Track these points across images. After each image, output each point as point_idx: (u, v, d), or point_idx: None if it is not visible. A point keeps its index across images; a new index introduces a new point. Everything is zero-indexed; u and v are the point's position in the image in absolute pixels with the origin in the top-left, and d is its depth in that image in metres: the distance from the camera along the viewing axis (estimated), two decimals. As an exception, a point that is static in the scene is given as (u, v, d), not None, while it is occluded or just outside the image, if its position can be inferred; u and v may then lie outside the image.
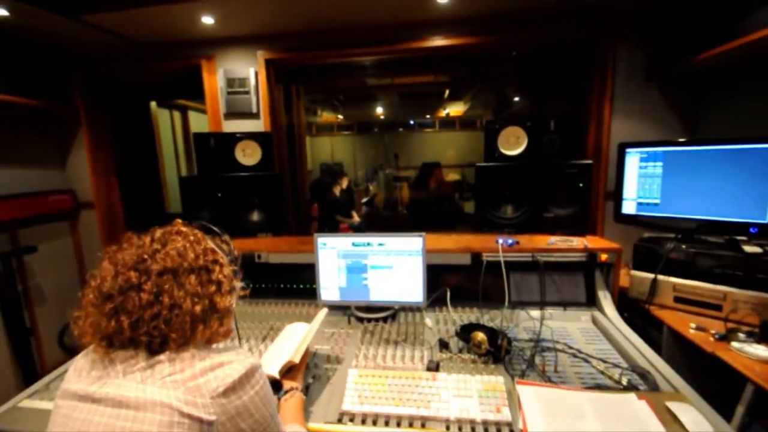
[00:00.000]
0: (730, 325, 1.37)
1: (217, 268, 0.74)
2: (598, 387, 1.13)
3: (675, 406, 0.98)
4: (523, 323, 1.50)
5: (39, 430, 0.83)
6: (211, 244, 0.78)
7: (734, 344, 1.27)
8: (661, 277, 1.57)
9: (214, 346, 0.76)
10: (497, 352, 1.21)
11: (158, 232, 0.75)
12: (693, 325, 1.42)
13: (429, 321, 1.49)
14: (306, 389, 1.09)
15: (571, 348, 1.33)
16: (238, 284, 0.80)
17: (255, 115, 2.35)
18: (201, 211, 2.07)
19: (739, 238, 1.50)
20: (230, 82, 2.29)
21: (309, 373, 1.18)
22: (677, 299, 1.55)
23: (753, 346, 1.25)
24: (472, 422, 0.97)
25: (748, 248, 1.44)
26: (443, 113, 7.82)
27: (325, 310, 1.26)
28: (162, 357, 0.65)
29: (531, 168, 1.81)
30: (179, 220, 0.80)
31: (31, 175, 2.45)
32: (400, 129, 8.24)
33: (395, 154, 6.80)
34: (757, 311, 1.36)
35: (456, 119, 7.98)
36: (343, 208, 4.87)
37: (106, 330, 0.66)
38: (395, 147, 8.05)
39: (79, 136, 2.60)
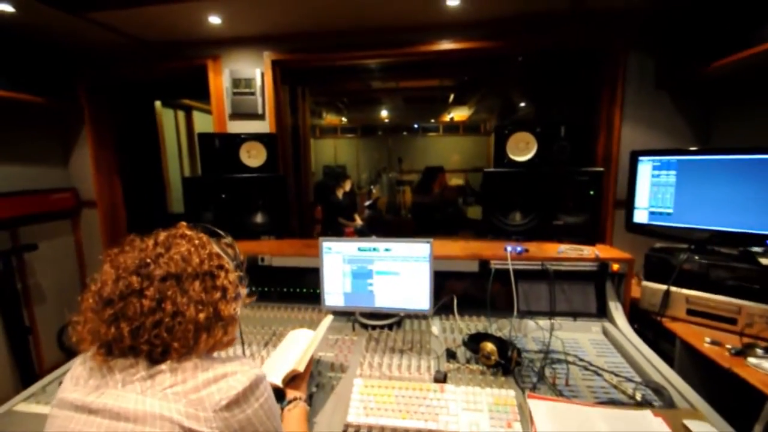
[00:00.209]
0: (746, 339, 1.33)
1: (222, 274, 0.71)
2: (612, 402, 1.09)
3: (693, 425, 0.94)
4: (532, 333, 1.47)
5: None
6: (216, 249, 0.75)
7: (751, 360, 1.23)
8: (673, 288, 1.53)
9: (216, 354, 0.73)
10: (507, 363, 1.18)
11: (162, 235, 0.72)
12: (708, 339, 1.38)
13: (435, 329, 1.45)
14: (309, 398, 1.06)
15: (582, 360, 1.29)
16: (244, 291, 0.77)
17: (260, 116, 2.33)
18: (204, 212, 2.05)
19: (755, 249, 1.46)
20: (236, 82, 2.27)
21: (312, 382, 1.14)
22: (690, 312, 1.51)
23: (771, 362, 1.21)
24: (483, 438, 0.93)
25: (765, 260, 1.40)
26: (447, 118, 7.81)
27: (330, 317, 1.23)
28: (163, 367, 0.62)
29: (541, 174, 1.77)
30: (183, 223, 0.77)
31: (33, 172, 2.43)
32: (404, 133, 8.22)
33: (399, 158, 6.77)
34: (774, 326, 1.32)
35: (460, 124, 7.97)
36: (346, 211, 4.85)
37: (105, 337, 0.63)
38: (399, 151, 8.03)
39: (83, 134, 2.58)
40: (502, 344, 1.22)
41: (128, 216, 2.83)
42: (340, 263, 1.49)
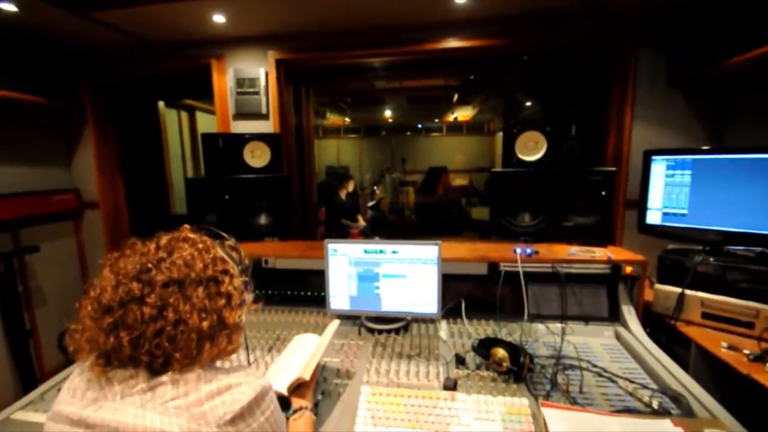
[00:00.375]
0: (765, 344, 1.29)
1: (227, 279, 0.68)
2: (628, 410, 1.05)
3: (716, 436, 0.90)
4: (543, 338, 1.43)
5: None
6: (220, 253, 0.71)
7: (772, 366, 1.19)
8: (688, 291, 1.49)
9: (219, 363, 0.69)
10: (519, 370, 1.14)
11: (164, 239, 0.69)
12: (724, 344, 1.34)
13: (443, 334, 1.42)
14: (315, 407, 1.02)
15: (595, 366, 1.25)
16: (249, 297, 0.74)
17: (264, 116, 2.31)
18: (207, 213, 2.02)
19: (773, 252, 1.42)
20: (240, 82, 2.25)
21: (318, 389, 1.11)
22: (705, 315, 1.47)
23: (793, 369, 1.17)
24: (496, 449, 0.90)
25: (784, 263, 1.36)
26: (451, 117, 7.77)
27: (336, 322, 1.19)
28: (164, 378, 0.59)
29: (551, 174, 1.73)
30: (187, 226, 0.74)
31: (35, 173, 2.41)
32: (408, 133, 8.19)
33: (402, 158, 6.74)
34: (794, 331, 1.28)
35: (463, 124, 7.93)
36: (349, 212, 4.82)
37: (104, 346, 0.60)
38: (401, 151, 8.01)
39: (86, 134, 2.56)
40: (514, 350, 1.18)
41: (131, 217, 2.80)
42: (346, 266, 1.46)
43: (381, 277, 1.44)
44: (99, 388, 0.60)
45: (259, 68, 2.24)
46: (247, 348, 1.26)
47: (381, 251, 1.43)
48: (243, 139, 2.06)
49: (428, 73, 3.50)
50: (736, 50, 1.56)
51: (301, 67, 2.42)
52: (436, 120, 7.99)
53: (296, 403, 0.93)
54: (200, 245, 0.69)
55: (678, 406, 1.06)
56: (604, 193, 1.65)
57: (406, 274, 1.43)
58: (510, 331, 1.44)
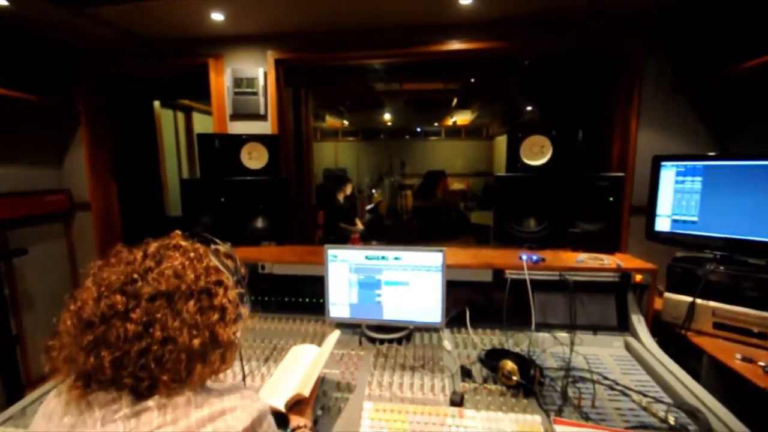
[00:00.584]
0: (781, 357, 1.25)
1: (221, 291, 0.62)
2: (644, 427, 1.00)
3: (739, 456, 0.85)
4: (550, 348, 1.38)
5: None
6: (214, 262, 0.66)
7: (790, 380, 1.15)
8: (699, 300, 1.45)
9: (211, 382, 0.63)
10: (529, 383, 1.08)
11: (152, 246, 0.63)
12: (738, 356, 1.29)
13: (447, 344, 1.36)
14: (314, 423, 0.96)
15: (606, 379, 1.20)
16: (246, 311, 0.68)
17: (262, 117, 2.25)
18: (202, 216, 1.96)
19: (786, 260, 1.38)
20: (238, 82, 2.19)
21: (318, 403, 1.05)
22: (717, 325, 1.43)
23: (813, 383, 1.12)
24: (509, 471, 0.84)
25: (798, 272, 1.32)
26: (450, 121, 7.76)
27: (337, 333, 1.13)
28: (150, 403, 0.53)
29: (557, 180, 1.69)
30: (178, 232, 0.68)
31: (24, 172, 2.34)
32: (406, 136, 8.17)
33: (401, 162, 6.70)
34: (811, 343, 1.24)
35: (462, 128, 7.91)
36: (347, 215, 4.76)
37: (83, 366, 0.54)
38: (400, 154, 7.97)
39: (78, 133, 2.49)
40: (523, 362, 1.13)
41: (123, 219, 2.73)
42: (346, 272, 1.40)
43: (383, 285, 1.39)
44: (78, 413, 0.54)
45: (257, 68, 2.19)
46: (241, 359, 1.19)
47: (383, 257, 1.38)
48: (240, 140, 2.00)
49: (429, 76, 3.47)
50: (743, 56, 1.54)
51: (300, 67, 2.38)
52: (436, 124, 7.98)
53: (294, 421, 0.87)
54: (192, 254, 0.63)
55: (695, 423, 1.01)
56: (611, 199, 1.61)
57: (409, 282, 1.37)
58: (516, 342, 1.38)
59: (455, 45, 2.10)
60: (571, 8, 1.86)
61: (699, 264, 1.49)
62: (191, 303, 0.58)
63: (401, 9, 1.85)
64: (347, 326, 1.47)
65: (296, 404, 0.92)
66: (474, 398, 1.07)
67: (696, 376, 1.34)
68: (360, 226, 4.88)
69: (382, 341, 1.37)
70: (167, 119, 3.78)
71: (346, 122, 7.94)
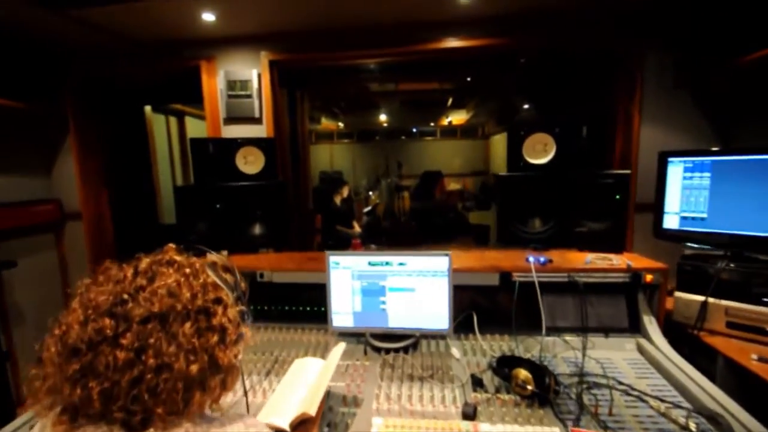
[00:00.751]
0: (799, 356, 1.21)
1: (220, 310, 0.57)
2: (665, 436, 0.96)
3: (769, 466, 0.81)
4: (562, 353, 1.33)
5: None
6: (212, 277, 0.60)
7: (811, 381, 1.11)
8: (711, 299, 1.41)
9: (210, 410, 0.58)
10: (544, 393, 1.04)
11: (144, 262, 0.58)
12: (754, 356, 1.26)
13: (456, 351, 1.31)
14: (321, 442, 0.91)
15: (621, 384, 1.16)
16: (248, 331, 0.63)
17: (257, 120, 2.20)
18: (197, 224, 1.90)
19: (799, 257, 1.35)
20: (231, 84, 2.14)
21: (324, 420, 1.00)
22: (730, 324, 1.39)
23: (835, 384, 1.08)
24: (530, 490, 0.79)
25: (812, 269, 1.29)
26: (445, 121, 7.74)
27: (342, 346, 1.08)
28: (144, 438, 0.47)
29: (561, 178, 1.65)
30: (171, 245, 0.63)
31: (12, 182, 2.26)
32: (402, 137, 8.13)
33: (398, 163, 6.66)
34: (829, 341, 1.21)
35: (457, 128, 7.90)
36: (344, 218, 4.71)
37: (69, 399, 0.49)
38: (395, 155, 7.94)
39: (67, 141, 2.42)
40: (536, 370, 1.08)
41: (116, 228, 2.65)
42: (349, 279, 1.35)
43: (387, 291, 1.34)
44: (63, 452, 0.48)
45: (251, 70, 2.13)
46: (241, 374, 1.14)
47: (387, 263, 1.33)
48: (235, 144, 1.95)
49: (426, 75, 3.43)
50: (744, 50, 1.51)
51: (295, 68, 2.33)
52: (432, 124, 7.95)
53: (301, 442, 0.82)
54: (187, 269, 0.58)
55: (718, 429, 0.97)
56: (618, 197, 1.57)
57: (415, 288, 1.33)
58: (527, 347, 1.34)
59: (453, 42, 2.06)
60: (571, 4, 1.82)
61: (708, 261, 1.45)
62: (187, 325, 0.52)
63: (398, 6, 1.81)
64: (351, 335, 1.42)
65: (301, 423, 0.87)
66: (487, 410, 1.03)
67: (710, 378, 1.30)
68: (357, 228, 4.83)
69: (387, 350, 1.32)
70: (159, 124, 3.71)
71: (341, 124, 7.89)
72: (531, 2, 1.82)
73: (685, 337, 1.46)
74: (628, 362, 1.30)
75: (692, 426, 0.98)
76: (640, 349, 1.36)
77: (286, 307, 1.60)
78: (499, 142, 6.92)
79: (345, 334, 1.43)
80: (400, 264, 1.32)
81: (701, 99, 1.95)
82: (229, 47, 2.16)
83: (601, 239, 1.63)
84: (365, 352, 1.33)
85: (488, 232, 5.06)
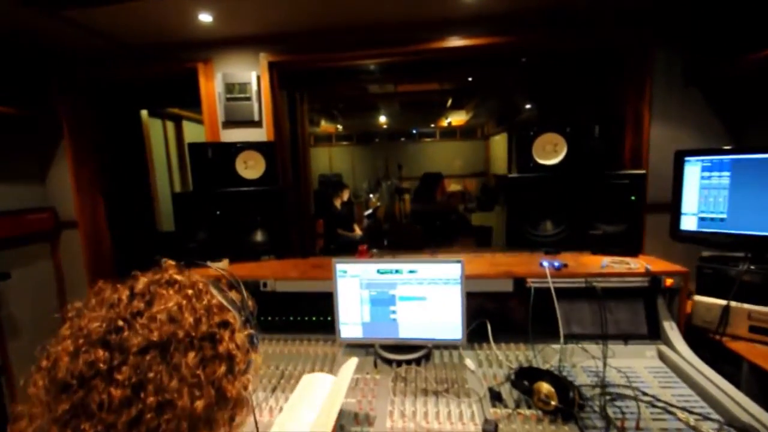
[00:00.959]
0: (829, 362, 1.16)
1: (227, 335, 0.51)
2: (698, 451, 0.90)
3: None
4: (581, 362, 1.28)
5: None
6: (217, 297, 0.54)
7: None
8: (733, 303, 1.36)
9: None
10: (568, 407, 0.98)
11: (141, 282, 0.52)
12: (782, 362, 1.20)
13: (470, 362, 1.25)
14: (334, 466, 0.85)
15: (645, 395, 1.11)
16: (257, 357, 0.57)
17: (257, 124, 2.14)
18: (197, 231, 1.84)
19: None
20: (229, 87, 2.08)
21: (335, 441, 0.94)
22: (753, 329, 1.34)
23: None
24: None
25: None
26: (445, 122, 7.69)
27: (354, 361, 1.02)
28: (143, 489, 0.42)
29: (574, 179, 1.60)
30: (171, 262, 0.57)
31: (5, 191, 2.19)
32: (402, 139, 8.09)
33: (399, 165, 6.61)
34: None
35: (457, 129, 7.86)
36: (345, 222, 4.65)
37: (57, 443, 0.43)
38: (394, 157, 7.89)
39: (61, 147, 2.35)
40: (559, 383, 1.03)
41: (113, 236, 2.59)
42: (357, 288, 1.30)
43: (397, 300, 1.28)
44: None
45: (250, 72, 2.08)
46: (252, 405, 1.08)
47: (397, 271, 1.27)
48: (235, 149, 1.89)
49: (427, 75, 3.38)
50: (754, 46, 1.47)
51: (296, 70, 2.27)
52: (432, 125, 7.91)
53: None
54: (189, 290, 0.52)
55: (753, 443, 0.92)
56: (633, 198, 1.52)
57: (426, 296, 1.27)
58: (545, 357, 1.28)
59: (455, 42, 2.01)
60: (578, 2, 1.78)
61: (728, 264, 1.40)
62: (191, 354, 0.46)
63: (400, 6, 1.76)
64: (359, 347, 1.36)
65: (314, 447, 0.81)
66: (509, 427, 0.97)
67: (734, 386, 1.25)
68: (358, 232, 4.77)
69: (399, 363, 1.26)
70: (156, 129, 3.65)
71: (339, 126, 7.84)
72: (540, 1, 1.77)
73: (705, 343, 1.40)
74: (649, 371, 1.25)
75: (725, 440, 0.93)
76: (662, 357, 1.31)
77: (291, 317, 1.54)
78: (499, 143, 6.88)
79: (353, 346, 1.37)
80: (411, 271, 1.27)
81: (712, 97, 1.90)
82: (226, 49, 2.10)
83: (616, 242, 1.58)
84: (375, 365, 1.27)
85: (491, 233, 5.00)
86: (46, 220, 2.38)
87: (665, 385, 1.17)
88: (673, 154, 1.51)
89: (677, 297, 1.37)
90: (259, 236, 1.89)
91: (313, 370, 1.24)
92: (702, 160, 1.42)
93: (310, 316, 1.52)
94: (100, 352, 0.45)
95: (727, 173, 1.38)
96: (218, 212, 1.84)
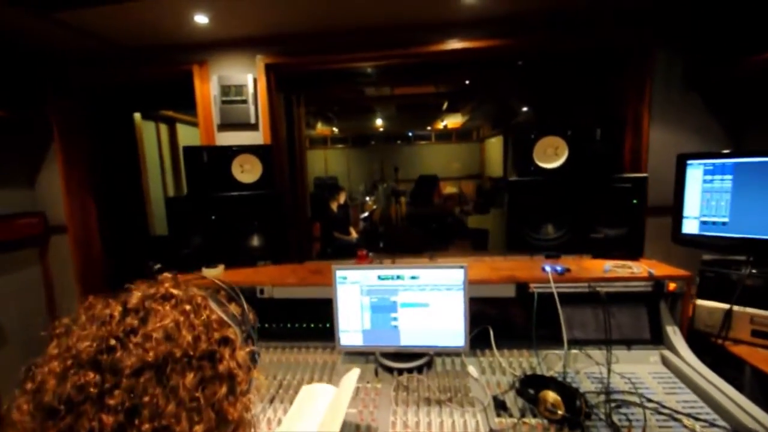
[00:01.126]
0: (833, 367, 1.15)
1: (227, 353, 0.48)
2: (707, 460, 0.88)
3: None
4: (584, 368, 1.26)
5: None
6: (217, 312, 0.51)
7: None
8: (735, 307, 1.35)
9: None
10: (575, 416, 0.96)
11: (135, 297, 0.49)
12: (785, 367, 1.19)
13: (473, 370, 1.23)
14: (336, 482, 0.82)
15: (650, 401, 1.09)
16: (260, 376, 0.54)
17: (253, 126, 2.10)
18: (191, 236, 1.80)
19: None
20: (225, 89, 2.04)
21: (337, 455, 0.90)
22: (756, 333, 1.33)
23: None
24: None
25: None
26: (441, 125, 7.70)
27: (356, 372, 0.99)
28: None
29: (575, 183, 1.59)
30: (168, 275, 0.54)
31: (-7, 196, 2.14)
32: (398, 141, 8.08)
33: (395, 168, 6.59)
34: None
35: (453, 131, 7.87)
36: (341, 225, 4.62)
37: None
38: (390, 160, 7.87)
39: (51, 150, 2.30)
40: (565, 391, 1.01)
41: (104, 241, 2.53)
42: (358, 295, 1.27)
43: (399, 307, 1.25)
44: None
45: (246, 74, 2.04)
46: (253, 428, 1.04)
47: (398, 277, 1.25)
48: (230, 152, 1.85)
49: (424, 78, 3.37)
50: (754, 49, 1.47)
51: (293, 71, 2.23)
52: (428, 128, 7.91)
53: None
54: (187, 305, 0.49)
55: (761, 451, 0.90)
56: (635, 201, 1.51)
57: (428, 303, 1.24)
58: (548, 363, 1.27)
59: (457, 44, 2.00)
60: (578, 4, 1.77)
61: (730, 267, 1.40)
62: (189, 375, 0.43)
63: (399, 8, 1.74)
64: (360, 354, 1.33)
65: (316, 464, 0.78)
66: (516, 438, 0.95)
67: (738, 389, 1.24)
68: (355, 235, 4.73)
69: (400, 371, 1.23)
70: (149, 132, 3.59)
71: (335, 129, 7.81)
72: (541, 3, 1.76)
73: (707, 347, 1.39)
74: (653, 376, 1.23)
75: (734, 448, 0.92)
76: (665, 362, 1.30)
77: (288, 324, 1.50)
78: (495, 146, 6.90)
79: (353, 353, 1.34)
80: (412, 277, 1.24)
81: (712, 100, 1.91)
82: (222, 51, 2.06)
83: (617, 246, 1.57)
84: (376, 373, 1.24)
85: (487, 236, 4.99)
86: (36, 225, 2.32)
87: (670, 391, 1.15)
88: (675, 157, 1.51)
89: (680, 301, 1.36)
90: (255, 241, 1.85)
91: (312, 379, 1.21)
92: (704, 164, 1.42)
93: (309, 323, 1.48)
94: (90, 375, 0.41)
95: (729, 177, 1.38)
96: (213, 217, 1.80)
